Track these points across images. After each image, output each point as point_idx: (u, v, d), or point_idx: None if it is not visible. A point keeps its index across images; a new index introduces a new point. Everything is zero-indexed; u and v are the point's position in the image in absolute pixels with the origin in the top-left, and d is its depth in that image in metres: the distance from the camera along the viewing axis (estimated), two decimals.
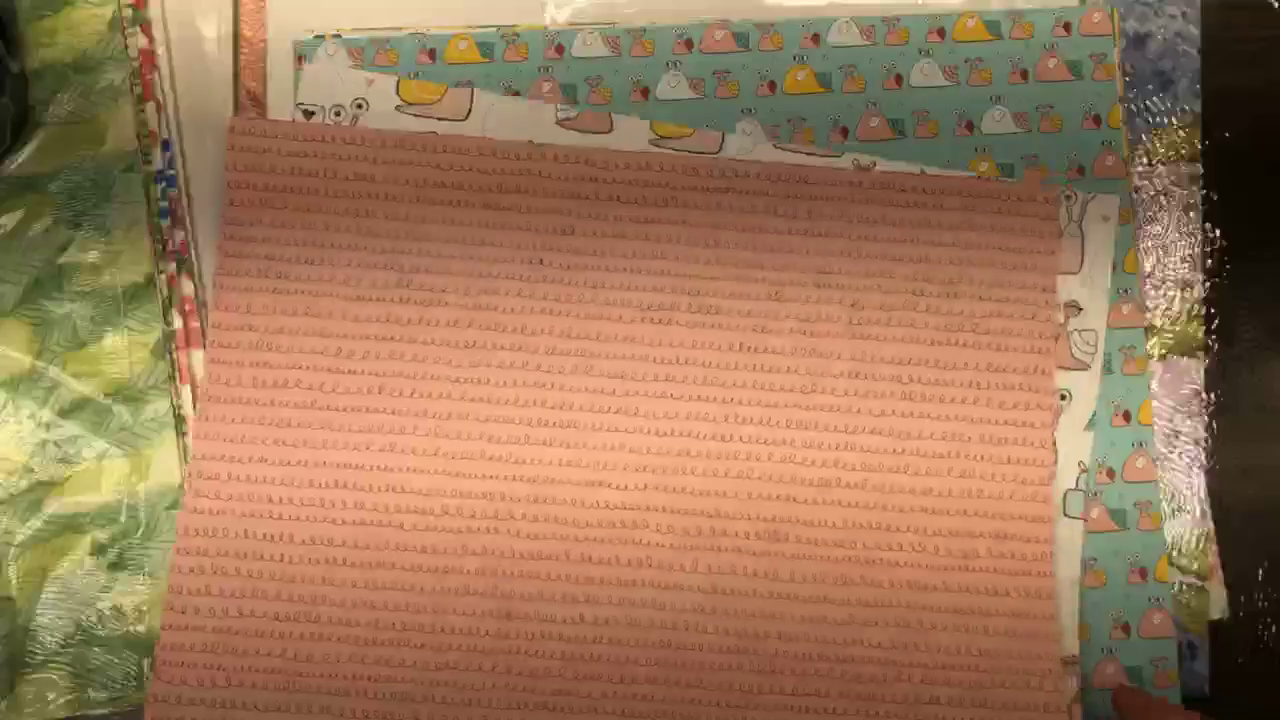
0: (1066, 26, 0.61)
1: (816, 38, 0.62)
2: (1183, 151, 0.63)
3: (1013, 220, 0.58)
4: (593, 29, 0.60)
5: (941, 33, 0.61)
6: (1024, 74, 0.61)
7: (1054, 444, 0.55)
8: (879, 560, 0.53)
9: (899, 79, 0.62)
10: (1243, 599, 0.61)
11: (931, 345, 0.55)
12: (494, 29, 0.60)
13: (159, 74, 0.56)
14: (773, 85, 0.61)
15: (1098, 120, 0.61)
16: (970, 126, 0.61)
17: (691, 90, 0.61)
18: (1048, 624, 0.53)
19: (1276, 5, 0.64)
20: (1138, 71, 0.62)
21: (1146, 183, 0.62)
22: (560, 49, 0.61)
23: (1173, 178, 0.62)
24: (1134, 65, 0.62)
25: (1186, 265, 0.62)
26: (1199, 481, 0.61)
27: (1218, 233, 0.63)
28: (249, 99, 0.56)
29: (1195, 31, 0.63)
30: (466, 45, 0.60)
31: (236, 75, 0.56)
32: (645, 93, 0.60)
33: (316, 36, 0.57)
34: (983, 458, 0.54)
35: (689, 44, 0.61)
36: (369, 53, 0.58)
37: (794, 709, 0.52)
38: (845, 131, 0.61)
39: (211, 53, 0.55)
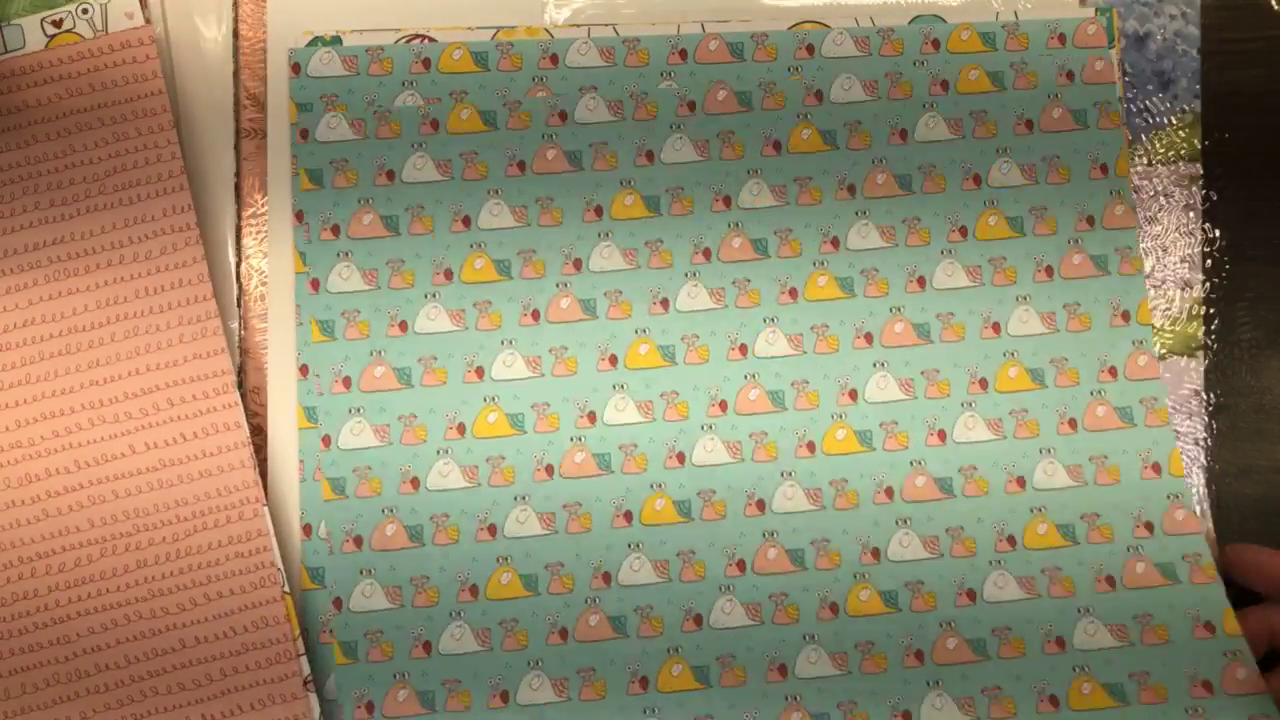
0: (1070, 75, 0.58)
1: (820, 95, 0.58)
2: (1183, 151, 0.61)
3: None
4: (587, 41, 0.57)
5: (944, 86, 0.57)
6: (1029, 124, 0.58)
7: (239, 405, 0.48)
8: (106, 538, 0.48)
9: (904, 134, 0.58)
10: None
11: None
12: (489, 38, 0.57)
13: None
14: (777, 145, 0.57)
15: (1105, 169, 0.58)
16: (977, 180, 0.58)
17: (696, 153, 0.57)
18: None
19: (1276, 6, 0.62)
20: (1137, 71, 0.60)
21: (1146, 183, 0.61)
22: (555, 59, 0.57)
23: (1173, 178, 0.60)
24: (1134, 65, 0.60)
25: (1186, 265, 0.61)
26: (1198, 481, 0.60)
27: (1218, 233, 0.61)
28: (249, 99, 0.55)
29: (1195, 31, 0.61)
30: (461, 55, 0.57)
31: (236, 75, 0.55)
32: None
33: (310, 44, 0.55)
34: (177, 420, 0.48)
35: (683, 54, 0.57)
36: (363, 62, 0.56)
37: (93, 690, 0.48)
38: (852, 189, 0.58)
39: (211, 52, 0.54)
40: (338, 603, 0.53)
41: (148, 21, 0.52)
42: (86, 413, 0.47)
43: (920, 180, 0.58)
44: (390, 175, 0.56)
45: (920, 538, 0.55)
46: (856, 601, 0.54)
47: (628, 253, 0.57)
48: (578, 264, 0.57)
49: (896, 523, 0.56)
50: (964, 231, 0.58)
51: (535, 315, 0.56)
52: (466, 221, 0.56)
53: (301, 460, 0.53)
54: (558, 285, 0.57)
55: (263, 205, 0.54)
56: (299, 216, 0.55)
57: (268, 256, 0.54)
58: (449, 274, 0.56)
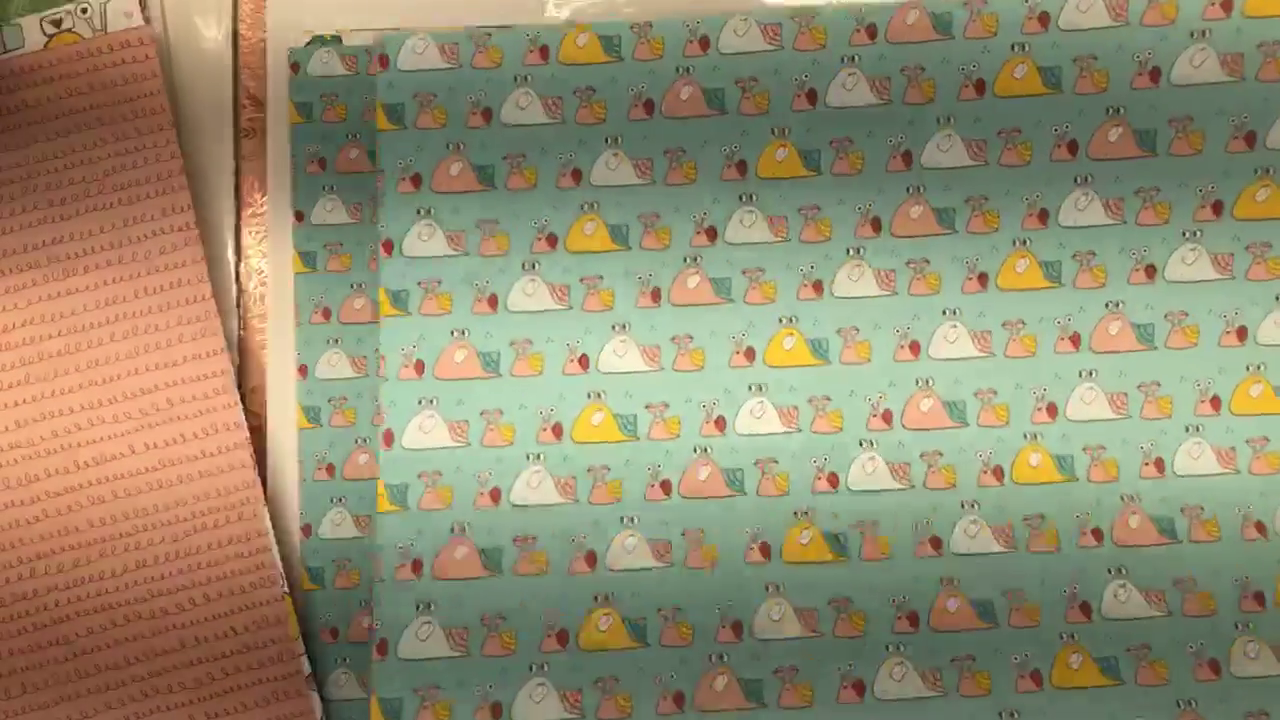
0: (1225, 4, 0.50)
1: (1045, 20, 0.51)
2: None
3: None
4: (582, 33, 0.52)
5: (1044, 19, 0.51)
6: (1154, 75, 0.51)
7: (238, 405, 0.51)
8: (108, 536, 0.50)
9: (1155, 74, 0.51)
10: None
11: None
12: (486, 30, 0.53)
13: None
14: (981, 85, 0.51)
15: (1251, 140, 0.50)
16: (1251, 140, 0.50)
17: (873, 94, 0.51)
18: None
19: None
20: None
21: None
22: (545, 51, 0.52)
23: None
24: None
25: None
26: None
27: None
28: (248, 99, 0.55)
29: None
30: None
31: (236, 75, 0.55)
32: (649, 107, 0.52)
33: (309, 43, 0.54)
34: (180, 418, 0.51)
35: (648, 108, 0.52)
36: (362, 61, 0.53)
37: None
38: (1074, 146, 0.51)
39: (211, 52, 0.55)
40: (382, 646, 0.50)
41: (147, 21, 0.53)
42: (86, 413, 0.49)
43: (1169, 137, 0.51)
44: (486, 115, 0.52)
45: (1140, 589, 0.50)
46: (1065, 670, 0.50)
47: (775, 221, 0.52)
48: (711, 233, 0.52)
49: (1109, 571, 0.50)
50: (1218, 208, 0.51)
51: (656, 295, 0.52)
52: (576, 176, 0.52)
53: (301, 460, 0.52)
54: (685, 259, 0.52)
55: (262, 205, 0.54)
56: (299, 216, 0.53)
57: (267, 256, 0.54)
58: (552, 240, 0.52)
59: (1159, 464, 0.51)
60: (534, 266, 0.52)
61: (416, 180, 0.52)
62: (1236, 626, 0.50)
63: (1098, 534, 0.51)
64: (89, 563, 0.49)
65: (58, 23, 0.51)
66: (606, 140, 0.52)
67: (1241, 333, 0.51)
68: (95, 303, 0.50)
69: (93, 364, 0.49)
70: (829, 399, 0.51)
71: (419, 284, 0.52)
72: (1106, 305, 0.51)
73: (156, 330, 0.50)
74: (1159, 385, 0.51)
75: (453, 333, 0.52)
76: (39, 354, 0.49)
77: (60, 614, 0.49)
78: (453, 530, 0.51)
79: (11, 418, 0.49)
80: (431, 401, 0.52)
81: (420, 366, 0.52)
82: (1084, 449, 0.51)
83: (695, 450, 0.51)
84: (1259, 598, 0.50)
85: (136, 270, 0.50)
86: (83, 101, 0.51)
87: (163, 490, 0.50)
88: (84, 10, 0.51)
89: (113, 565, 0.50)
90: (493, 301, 0.52)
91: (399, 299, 0.52)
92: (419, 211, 0.52)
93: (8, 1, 0.51)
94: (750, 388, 0.51)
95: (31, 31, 0.51)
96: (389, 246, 0.52)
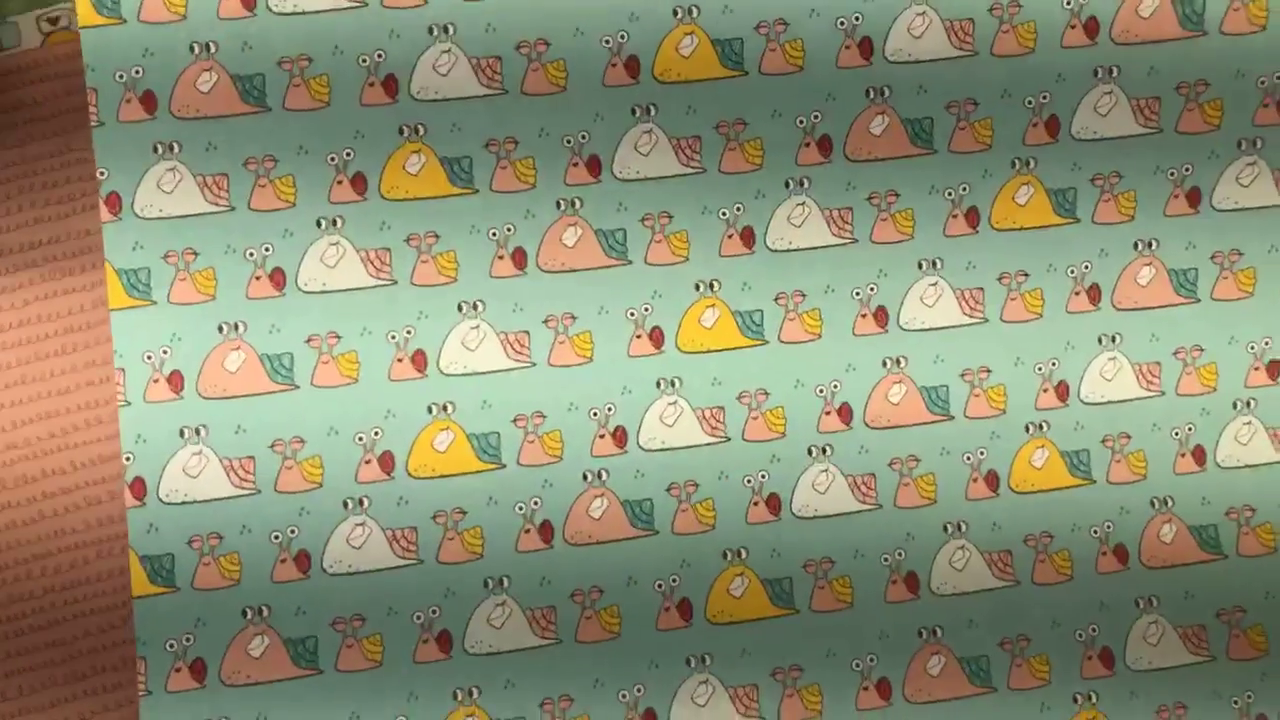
0: None
1: None
2: None
3: None
4: None
5: None
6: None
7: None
8: None
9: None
10: None
11: None
12: None
13: None
14: None
15: None
16: (1093, 28, 0.46)
17: None
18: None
19: None
20: None
21: None
22: None
23: None
24: None
25: None
26: None
27: None
28: None
29: None
30: None
31: None
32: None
33: None
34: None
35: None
36: None
37: None
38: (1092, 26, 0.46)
39: None
40: None
41: None
42: (83, 413, 0.51)
43: (1220, 9, 0.46)
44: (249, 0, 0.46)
45: (1177, 628, 0.48)
46: None
47: (684, 144, 0.46)
48: (594, 165, 0.46)
49: (1138, 604, 0.48)
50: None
51: (519, 259, 0.46)
52: (391, 85, 0.45)
53: None
54: (559, 204, 0.46)
55: None
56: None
57: None
58: (360, 183, 0.45)
59: (1198, 454, 0.48)
60: (336, 223, 0.45)
61: (149, 100, 0.44)
62: None
63: (1122, 554, 0.48)
64: (86, 564, 0.51)
65: (55, 20, 0.53)
66: (433, 30, 0.45)
67: None
68: (94, 303, 0.51)
69: (89, 364, 0.51)
70: (766, 393, 0.47)
71: (165, 258, 0.45)
72: (1136, 245, 0.47)
73: None
74: (1201, 350, 0.48)
75: (221, 328, 0.45)
76: (35, 354, 0.52)
77: (57, 615, 0.52)
78: (245, 616, 0.45)
79: (7, 418, 0.52)
80: (198, 432, 0.45)
81: (177, 381, 0.45)
82: (1103, 440, 0.47)
83: (585, 477, 0.46)
84: None
85: None
86: (80, 100, 0.52)
87: None
88: None
89: (109, 567, 0.51)
90: (278, 279, 0.45)
91: (133, 282, 0.45)
92: (156, 149, 0.45)
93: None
94: (658, 384, 0.47)
95: (28, 29, 0.54)
96: (114, 203, 0.45)
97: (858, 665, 0.46)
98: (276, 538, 0.45)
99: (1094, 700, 0.47)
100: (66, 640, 0.52)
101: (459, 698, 0.45)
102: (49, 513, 0.52)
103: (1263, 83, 0.46)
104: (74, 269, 0.52)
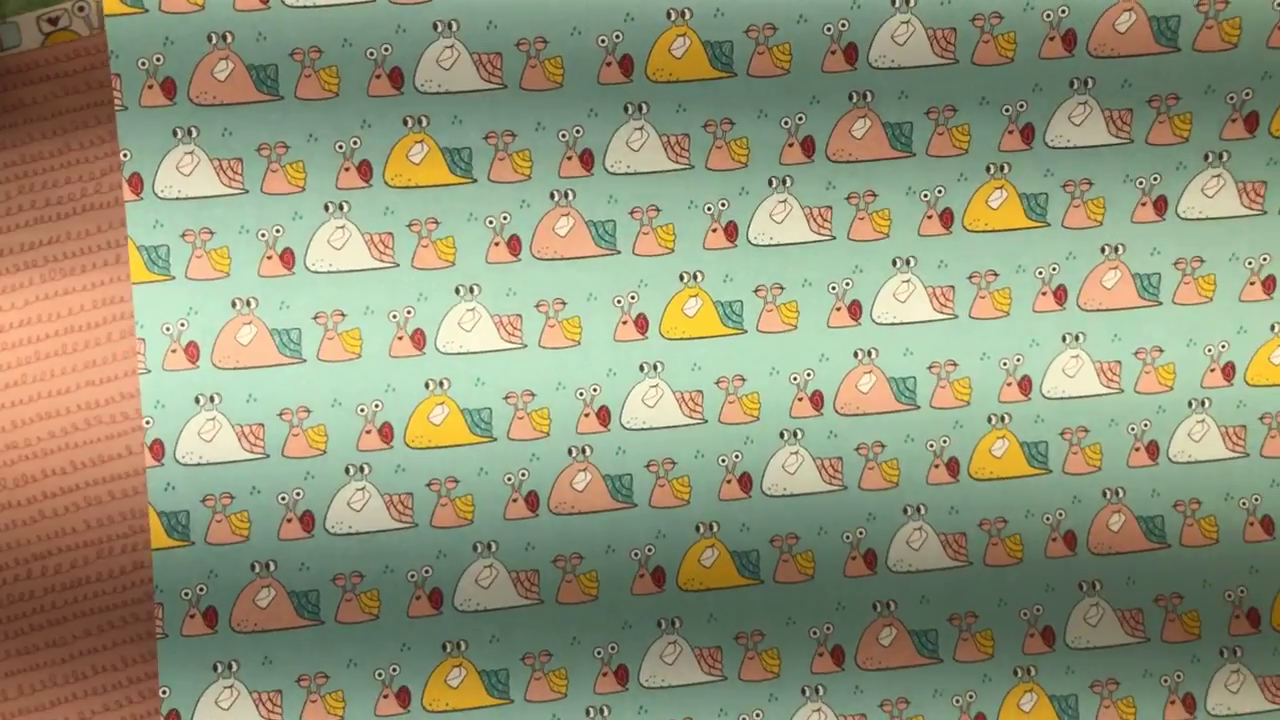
0: None
1: None
2: None
3: None
4: None
5: None
6: None
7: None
8: None
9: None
10: None
11: None
12: None
13: None
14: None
15: None
16: (1070, 40, 0.46)
17: None
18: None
19: None
20: None
21: None
22: None
23: None
24: None
25: None
26: None
27: None
28: None
29: None
30: None
31: None
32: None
33: None
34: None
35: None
36: None
37: None
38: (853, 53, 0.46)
39: None
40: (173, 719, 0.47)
41: None
42: (83, 413, 0.51)
43: (1194, 26, 0.45)
44: None
45: (1115, 609, 0.48)
46: (1015, 714, 0.48)
47: (673, 141, 0.46)
48: (587, 159, 0.47)
49: (1081, 587, 0.48)
50: (1252, 121, 0.47)
51: (514, 246, 0.47)
52: (397, 77, 0.46)
53: None
54: (553, 195, 0.47)
55: None
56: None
57: None
58: (366, 170, 0.46)
59: (1152, 449, 0.48)
60: (343, 208, 0.46)
61: (169, 87, 0.45)
62: (1222, 654, 0.49)
63: (1070, 540, 0.48)
64: (86, 564, 0.51)
65: (54, 20, 0.53)
66: (437, 26, 0.45)
67: (1270, 284, 0.48)
68: (93, 303, 0.51)
69: (89, 364, 0.51)
70: (743, 379, 0.47)
71: (183, 236, 0.46)
72: (1103, 250, 0.47)
73: None
74: (1160, 351, 0.48)
75: (235, 303, 0.46)
76: (35, 354, 0.52)
77: (57, 616, 0.52)
78: (254, 570, 0.47)
79: (7, 418, 0.52)
80: (212, 399, 0.47)
81: (193, 351, 0.47)
82: (1061, 434, 0.48)
83: (570, 453, 0.47)
84: (1253, 617, 0.49)
85: None
86: (80, 100, 0.52)
87: None
88: (81, 9, 0.52)
89: (109, 567, 0.51)
90: (287, 258, 0.46)
91: (154, 259, 0.46)
92: (175, 133, 0.46)
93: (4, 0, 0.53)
94: (642, 367, 0.47)
95: (28, 29, 0.53)
96: (136, 184, 0.46)
97: (815, 633, 0.47)
98: (283, 499, 0.46)
99: (1032, 674, 0.48)
100: (66, 640, 0.52)
101: (448, 650, 0.46)
102: (49, 513, 0.52)
103: (1231, 98, 0.46)
104: (74, 269, 0.52)
